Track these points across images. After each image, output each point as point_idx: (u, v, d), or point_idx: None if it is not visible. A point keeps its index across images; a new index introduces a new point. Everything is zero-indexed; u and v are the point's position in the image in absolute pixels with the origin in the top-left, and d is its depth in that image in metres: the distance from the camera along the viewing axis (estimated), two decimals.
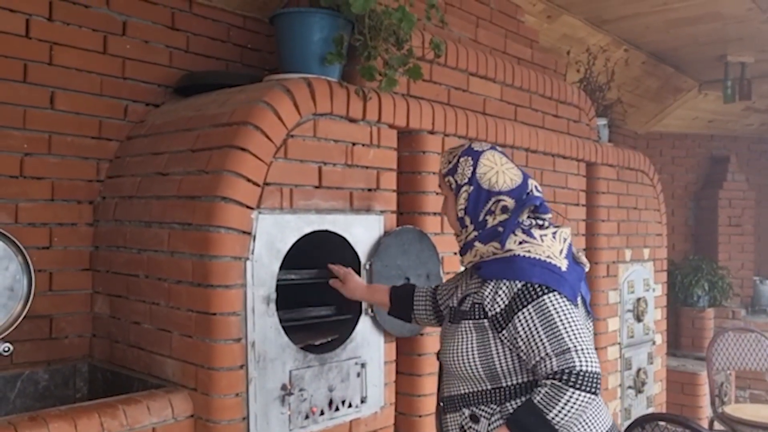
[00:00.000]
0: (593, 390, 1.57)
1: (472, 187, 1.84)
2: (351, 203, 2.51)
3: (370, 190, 2.59)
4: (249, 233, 2.17)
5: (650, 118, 6.60)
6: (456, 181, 1.87)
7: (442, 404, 1.86)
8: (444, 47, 2.79)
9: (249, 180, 2.18)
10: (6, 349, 2.31)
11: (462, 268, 1.98)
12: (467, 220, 1.85)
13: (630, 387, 4.27)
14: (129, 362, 2.46)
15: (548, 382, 1.59)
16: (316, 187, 2.40)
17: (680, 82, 6.16)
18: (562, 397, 1.56)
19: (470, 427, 1.75)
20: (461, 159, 1.87)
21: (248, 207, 2.18)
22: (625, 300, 4.28)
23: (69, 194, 2.59)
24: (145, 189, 2.47)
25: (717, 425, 4.22)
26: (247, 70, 3.06)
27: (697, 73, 6.06)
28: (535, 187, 1.88)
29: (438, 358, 1.93)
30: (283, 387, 2.26)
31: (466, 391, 1.78)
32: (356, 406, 2.51)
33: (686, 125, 6.87)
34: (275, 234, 2.24)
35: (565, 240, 1.82)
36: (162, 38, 2.82)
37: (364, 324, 2.54)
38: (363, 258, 2.52)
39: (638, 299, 4.37)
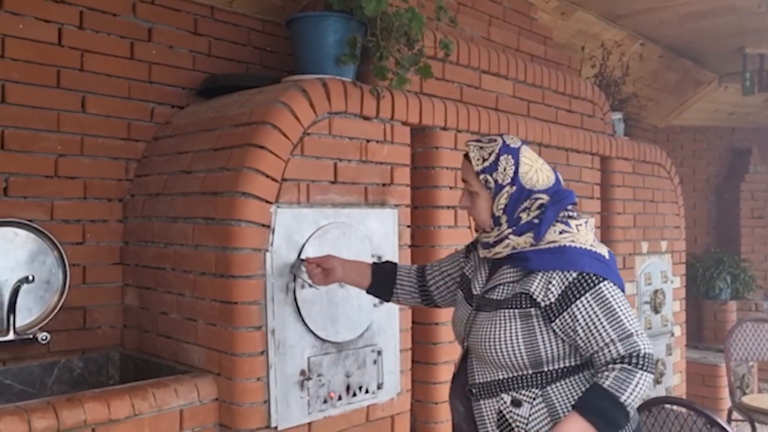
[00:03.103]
0: (653, 370, 1.65)
1: (515, 188, 1.82)
2: (366, 198, 2.62)
3: (384, 185, 2.70)
4: (268, 226, 2.30)
5: (670, 111, 6.61)
6: (496, 180, 1.83)
7: (474, 390, 1.85)
8: (453, 46, 2.89)
9: (268, 176, 2.31)
10: (44, 337, 2.47)
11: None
12: (503, 219, 1.85)
13: None
14: (158, 350, 2.60)
15: (617, 366, 1.63)
16: (332, 183, 2.51)
17: (699, 75, 6.16)
18: (633, 379, 1.62)
19: (511, 411, 1.76)
20: (501, 157, 1.83)
21: (267, 201, 2.30)
22: (642, 292, 4.33)
23: (100, 193, 2.74)
24: (170, 186, 2.61)
25: (735, 415, 4.25)
26: (267, 72, 3.19)
27: (716, 66, 6.05)
28: (562, 181, 1.93)
29: (463, 345, 1.94)
30: (302, 372, 2.37)
31: (505, 376, 1.79)
32: (373, 392, 2.61)
33: (707, 118, 6.86)
34: (293, 227, 2.36)
35: (593, 229, 1.88)
36: (185, 43, 2.96)
37: (380, 313, 2.64)
38: (377, 250, 2.63)
39: (655, 291, 4.42)
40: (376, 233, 2.63)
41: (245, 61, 3.17)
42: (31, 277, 2.43)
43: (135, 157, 2.83)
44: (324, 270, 2.21)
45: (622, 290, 1.76)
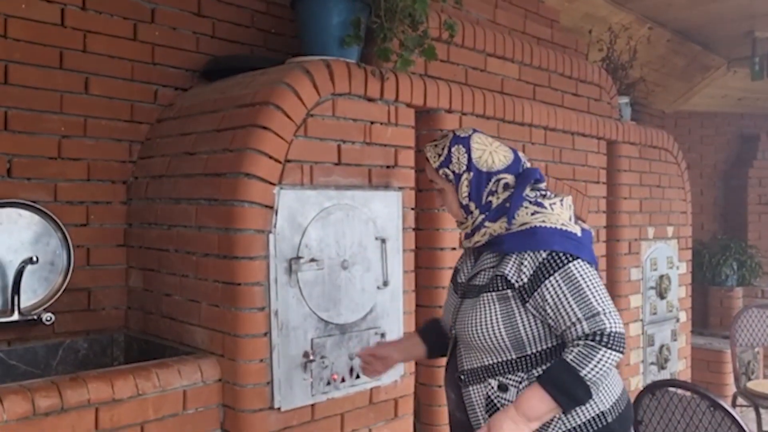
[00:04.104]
0: (620, 349, 1.65)
1: (472, 173, 1.87)
2: (369, 180, 2.61)
3: (388, 167, 2.68)
4: (271, 207, 2.29)
5: (678, 97, 6.56)
6: (453, 171, 1.89)
7: (462, 377, 1.88)
8: (458, 28, 2.86)
9: (271, 157, 2.30)
10: (48, 318, 2.48)
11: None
12: (472, 206, 1.89)
13: (652, 363, 4.32)
14: (161, 332, 2.61)
15: (581, 342, 1.66)
16: (336, 164, 2.50)
17: (708, 60, 6.11)
18: (595, 356, 1.63)
19: (498, 396, 1.80)
20: (452, 149, 1.89)
21: (270, 183, 2.29)
22: (648, 277, 4.31)
23: (104, 174, 2.74)
24: (174, 168, 2.60)
25: (740, 400, 4.25)
26: (271, 55, 3.17)
27: (725, 51, 6.00)
28: (525, 158, 1.95)
29: (451, 333, 1.97)
30: (305, 354, 2.38)
31: (491, 362, 1.82)
32: (376, 378, 2.61)
33: (715, 104, 6.81)
34: (296, 208, 2.35)
35: (570, 207, 1.89)
36: (189, 25, 2.94)
37: (384, 295, 2.64)
38: (381, 233, 2.63)
39: (661, 276, 4.40)
40: (380, 215, 2.62)
41: (249, 43, 3.15)
42: (35, 258, 2.43)
43: (138, 139, 2.83)
44: (380, 359, 2.16)
45: (596, 267, 1.79)
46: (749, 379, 5.28)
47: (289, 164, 2.35)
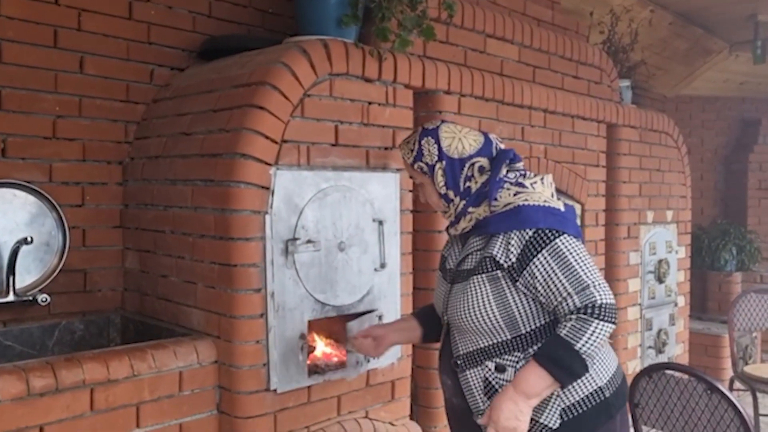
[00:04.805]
0: (612, 320, 1.67)
1: (444, 162, 1.89)
2: (367, 161, 2.59)
3: (386, 148, 2.66)
4: (267, 188, 2.27)
5: (679, 81, 6.51)
6: (426, 163, 1.92)
7: (458, 362, 1.88)
8: (457, 8, 2.83)
9: (267, 137, 2.27)
10: (44, 299, 2.47)
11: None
12: (451, 194, 1.91)
13: (650, 347, 4.32)
14: (158, 313, 2.60)
15: (573, 316, 1.67)
16: (333, 145, 2.48)
17: (710, 44, 6.06)
18: (588, 328, 1.64)
19: (496, 377, 1.80)
20: (422, 141, 1.92)
21: (266, 163, 2.27)
22: (647, 261, 4.30)
23: (99, 155, 2.72)
24: (170, 149, 2.58)
25: (737, 384, 4.25)
26: (269, 35, 3.14)
27: (727, 34, 5.94)
28: (497, 139, 1.96)
29: (443, 320, 1.97)
30: (302, 336, 2.37)
31: (486, 344, 1.82)
32: (374, 357, 2.61)
33: (717, 88, 6.76)
34: (293, 189, 2.33)
35: (551, 185, 1.91)
36: (185, 4, 2.91)
37: (381, 277, 2.63)
38: (378, 214, 2.61)
39: (660, 261, 4.39)
40: (378, 197, 2.61)
41: (246, 23, 3.12)
42: (29, 239, 2.42)
43: (134, 120, 2.80)
44: (375, 339, 2.17)
45: (582, 241, 1.80)
46: (746, 364, 5.28)
47: (285, 145, 2.33)
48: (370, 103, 2.60)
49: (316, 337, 2.54)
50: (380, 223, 2.60)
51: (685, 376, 2.48)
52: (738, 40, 6.03)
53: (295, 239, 2.33)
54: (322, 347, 2.56)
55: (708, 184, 6.98)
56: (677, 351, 4.63)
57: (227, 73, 2.54)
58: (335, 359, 2.56)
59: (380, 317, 2.62)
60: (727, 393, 2.22)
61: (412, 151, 1.95)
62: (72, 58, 2.62)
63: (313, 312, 2.40)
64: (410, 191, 2.77)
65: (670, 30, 5.52)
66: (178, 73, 2.89)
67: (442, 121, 1.97)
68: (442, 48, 3.03)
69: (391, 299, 2.67)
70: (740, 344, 5.51)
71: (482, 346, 1.83)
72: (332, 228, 2.45)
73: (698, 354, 5.46)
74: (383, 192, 2.63)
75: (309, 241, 2.37)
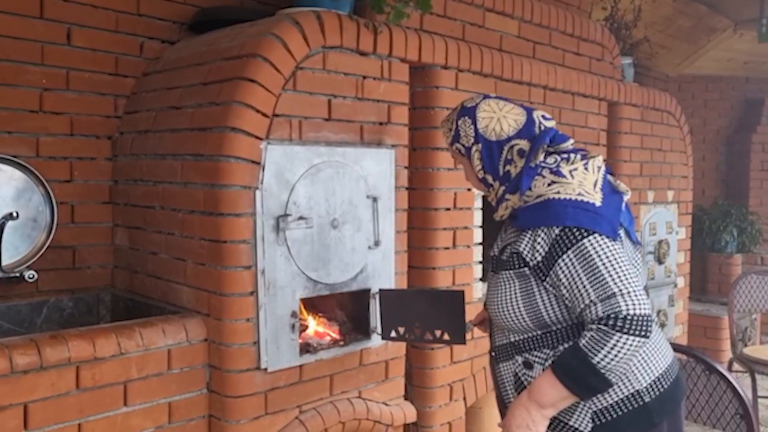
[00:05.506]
0: (642, 333, 1.50)
1: (480, 145, 1.79)
2: (361, 136, 2.53)
3: (381, 123, 2.60)
4: (258, 163, 2.21)
5: (683, 59, 6.41)
6: (464, 145, 1.82)
7: (494, 354, 1.82)
8: None
9: (258, 111, 2.21)
10: (31, 276, 2.42)
11: None
12: (489, 179, 1.80)
13: None
14: (148, 291, 2.56)
15: (594, 326, 1.53)
16: (326, 120, 2.42)
17: (714, 22, 5.95)
18: (608, 342, 1.50)
19: (524, 374, 1.71)
20: (459, 122, 1.82)
21: (257, 137, 2.21)
22: (647, 242, 4.25)
23: (88, 129, 2.66)
24: (159, 123, 2.52)
25: (736, 366, 4.22)
26: (261, 7, 3.06)
27: (732, 12, 5.83)
28: (543, 117, 1.81)
29: (485, 308, 1.91)
30: (293, 314, 2.32)
31: (517, 338, 1.73)
32: (367, 336, 2.57)
33: (720, 67, 6.66)
34: (284, 164, 2.28)
35: (599, 168, 1.72)
36: None
37: (375, 255, 2.58)
38: (373, 191, 2.55)
39: (660, 242, 4.34)
40: (372, 173, 2.55)
41: None
42: (15, 214, 2.37)
43: (124, 93, 2.74)
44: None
45: (616, 240, 1.61)
46: (746, 346, 5.25)
47: (276, 119, 2.27)
48: (364, 77, 2.54)
49: (309, 315, 2.50)
50: (374, 200, 2.55)
51: (684, 357, 2.44)
52: (743, 17, 5.92)
53: (286, 215, 2.28)
54: (314, 326, 2.52)
55: (710, 165, 6.90)
56: (676, 332, 4.59)
57: (218, 46, 2.47)
58: (328, 338, 2.52)
59: (374, 296, 2.57)
60: (726, 373, 2.18)
61: (449, 130, 1.86)
62: (59, 30, 2.56)
63: (305, 290, 2.36)
64: (405, 168, 2.71)
65: (674, 7, 5.42)
66: (169, 45, 2.82)
67: (485, 97, 1.84)
68: (440, 22, 2.96)
69: (385, 277, 2.62)
70: (740, 326, 5.47)
71: (513, 340, 1.74)
72: (325, 204, 2.40)
73: (697, 336, 5.43)
74: (378, 168, 2.57)
75: (301, 218, 2.32)
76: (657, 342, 1.73)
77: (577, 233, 1.59)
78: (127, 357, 2.06)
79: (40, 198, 2.50)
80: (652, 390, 1.67)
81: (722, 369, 2.19)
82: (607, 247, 1.58)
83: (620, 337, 1.49)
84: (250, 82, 2.21)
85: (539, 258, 1.64)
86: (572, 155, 1.74)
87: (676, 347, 2.48)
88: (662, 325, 4.37)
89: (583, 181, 1.67)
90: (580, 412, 1.65)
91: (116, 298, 2.68)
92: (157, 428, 2.14)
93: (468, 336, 2.30)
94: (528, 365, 1.71)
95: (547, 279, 1.63)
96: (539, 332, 1.69)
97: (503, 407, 1.82)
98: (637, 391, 1.65)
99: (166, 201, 2.44)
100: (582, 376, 1.54)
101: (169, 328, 2.18)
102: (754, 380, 4.05)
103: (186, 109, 2.41)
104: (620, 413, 1.64)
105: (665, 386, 1.69)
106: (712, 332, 5.56)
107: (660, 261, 4.35)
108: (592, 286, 1.55)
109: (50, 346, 1.92)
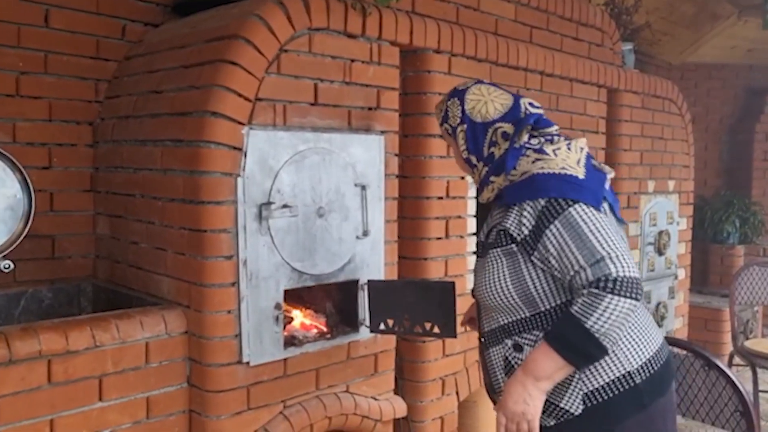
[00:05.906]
0: (633, 295, 1.51)
1: (465, 125, 1.83)
2: (349, 122, 2.45)
3: (370, 109, 2.51)
4: (240, 149, 2.13)
5: (685, 47, 6.30)
6: (450, 125, 1.87)
7: (483, 340, 1.81)
8: None
9: (240, 95, 2.13)
10: (6, 266, 2.34)
11: None
12: (473, 159, 1.83)
13: None
14: (129, 281, 2.48)
15: (585, 291, 1.53)
16: (312, 104, 2.33)
17: (718, 8, 5.83)
18: (600, 304, 1.50)
19: (514, 356, 1.70)
20: (449, 103, 1.87)
21: (239, 122, 2.13)
22: (647, 233, 4.17)
23: (67, 114, 2.58)
24: (140, 108, 2.43)
25: (737, 359, 4.14)
26: None
27: None
28: (530, 104, 1.82)
29: (473, 296, 1.89)
30: (277, 306, 2.25)
31: (506, 321, 1.72)
32: (355, 329, 2.49)
33: (724, 55, 6.54)
34: (267, 151, 2.19)
35: (581, 149, 1.75)
36: None
37: (363, 245, 2.50)
38: (361, 179, 2.47)
39: (660, 232, 4.26)
40: (360, 160, 2.46)
41: None
42: None
43: (105, 78, 2.65)
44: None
45: (600, 210, 1.63)
46: (747, 338, 5.17)
47: (259, 103, 2.18)
48: (352, 61, 2.45)
49: (294, 307, 2.42)
50: (363, 188, 2.46)
51: (683, 352, 2.37)
52: (747, 4, 5.80)
53: (269, 203, 2.19)
54: (300, 318, 2.44)
55: (712, 155, 6.80)
56: (676, 325, 4.51)
57: (200, 28, 2.38)
58: (314, 331, 2.44)
59: (362, 287, 2.49)
60: (726, 369, 2.11)
61: (440, 111, 1.91)
62: (36, 11, 2.47)
63: (289, 281, 2.28)
64: (396, 155, 2.63)
65: None
66: (152, 28, 2.73)
67: (477, 82, 1.89)
68: (433, 4, 2.87)
69: (374, 268, 2.54)
70: (741, 318, 5.39)
71: (502, 323, 1.73)
72: (311, 192, 2.31)
73: (698, 328, 5.35)
74: (366, 155, 2.49)
75: (285, 206, 2.24)
76: (646, 324, 1.73)
77: (563, 202, 1.61)
78: (102, 350, 1.99)
79: (17, 185, 2.41)
80: (643, 371, 1.66)
81: (721, 364, 2.11)
82: (593, 214, 1.60)
83: (611, 299, 1.50)
84: (231, 65, 2.13)
85: (526, 232, 1.64)
86: (556, 137, 1.78)
87: (675, 342, 2.41)
88: (662, 317, 4.29)
89: (566, 159, 1.71)
90: (571, 394, 1.64)
91: (98, 289, 2.61)
92: (135, 423, 2.07)
93: (460, 329, 2.23)
94: (518, 348, 1.70)
95: (535, 252, 1.63)
96: (528, 313, 1.68)
97: (493, 393, 1.82)
98: (628, 372, 1.65)
99: (146, 189, 2.36)
100: (576, 342, 1.54)
101: (147, 320, 2.10)
102: (755, 374, 3.96)
103: (167, 94, 2.32)
104: (611, 395, 1.64)
105: (656, 368, 1.69)
106: (713, 325, 5.48)
107: (660, 252, 4.26)
108: (580, 253, 1.56)
109: (20, 339, 1.85)
